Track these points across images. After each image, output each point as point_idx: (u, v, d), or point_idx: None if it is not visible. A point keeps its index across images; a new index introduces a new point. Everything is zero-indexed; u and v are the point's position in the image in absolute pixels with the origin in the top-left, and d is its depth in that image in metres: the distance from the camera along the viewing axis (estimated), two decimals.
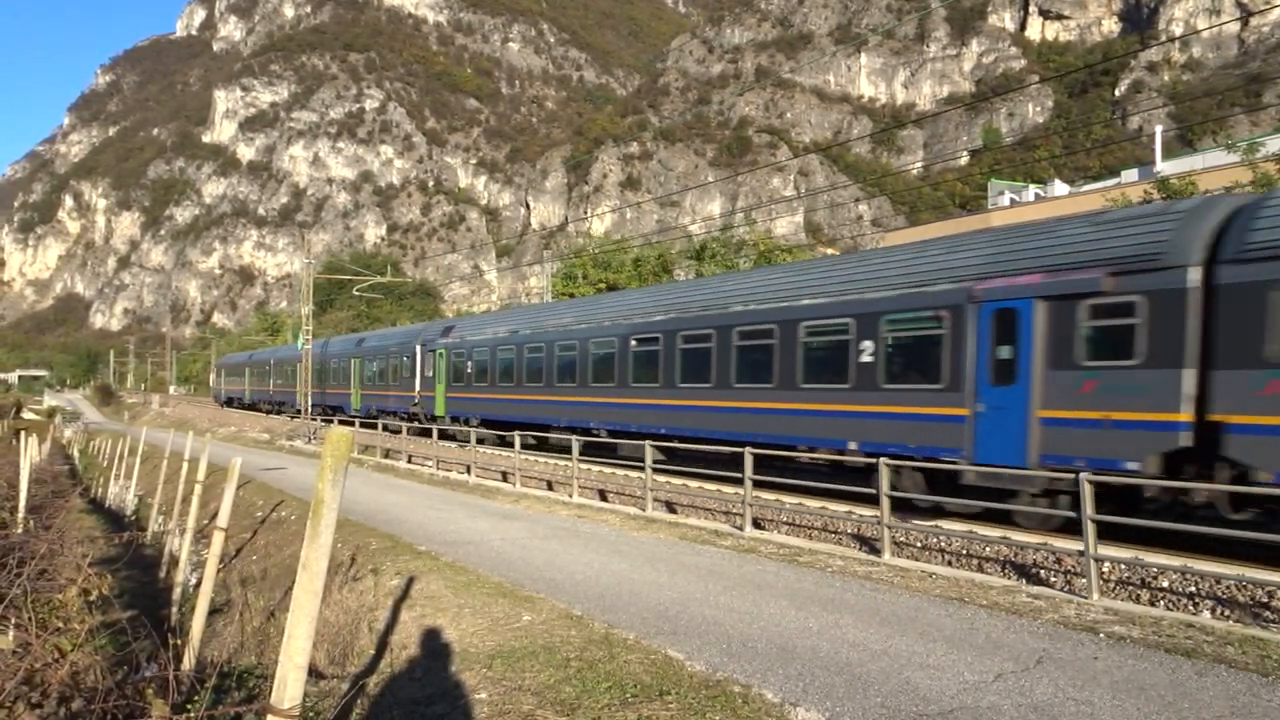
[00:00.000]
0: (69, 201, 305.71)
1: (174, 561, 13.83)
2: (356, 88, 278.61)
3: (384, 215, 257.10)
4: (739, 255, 43.29)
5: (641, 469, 15.38)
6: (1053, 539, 10.14)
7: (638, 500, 15.74)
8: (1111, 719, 5.25)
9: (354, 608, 9.07)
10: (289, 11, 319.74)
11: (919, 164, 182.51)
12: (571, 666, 6.22)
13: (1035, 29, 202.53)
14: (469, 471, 21.37)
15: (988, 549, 10.24)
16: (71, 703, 5.41)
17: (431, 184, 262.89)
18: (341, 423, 33.96)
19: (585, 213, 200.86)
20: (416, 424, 29.27)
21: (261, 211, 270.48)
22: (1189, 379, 9.60)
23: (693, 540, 11.86)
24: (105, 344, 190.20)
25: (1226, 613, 8.03)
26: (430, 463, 23.77)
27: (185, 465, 18.10)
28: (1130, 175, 44.66)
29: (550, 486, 18.93)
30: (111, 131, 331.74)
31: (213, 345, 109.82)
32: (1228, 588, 8.24)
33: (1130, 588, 8.83)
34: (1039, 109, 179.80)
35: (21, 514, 15.78)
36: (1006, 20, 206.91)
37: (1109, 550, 9.22)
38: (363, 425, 33.55)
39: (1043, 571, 9.48)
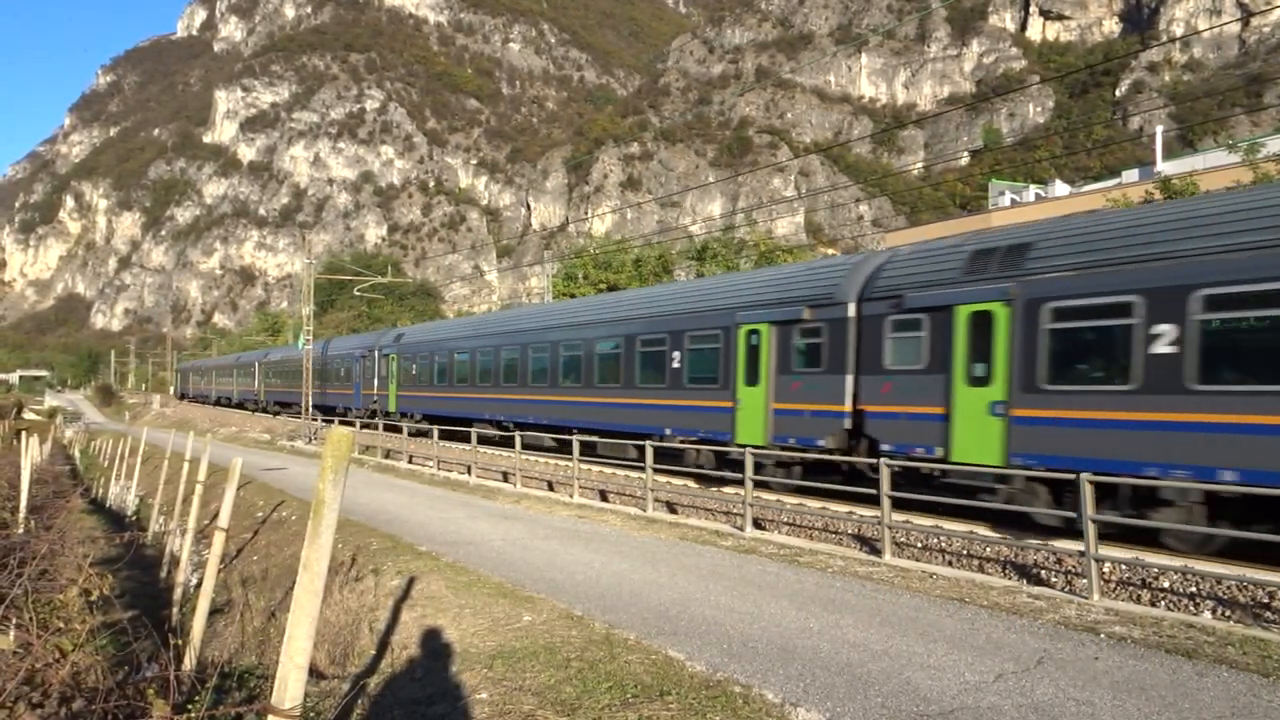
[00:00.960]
0: (70, 202, 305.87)
1: (175, 562, 13.84)
2: (357, 88, 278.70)
3: (385, 216, 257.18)
4: (739, 256, 43.34)
5: (642, 469, 15.41)
6: (1054, 540, 10.15)
7: (638, 501, 15.75)
8: (1112, 719, 5.25)
9: (355, 608, 9.07)
10: (290, 12, 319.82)
11: (920, 164, 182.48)
12: (572, 667, 6.22)
13: (1036, 29, 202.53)
14: (469, 472, 21.38)
15: (988, 549, 10.24)
16: (72, 703, 5.41)
17: (432, 184, 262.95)
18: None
19: (586, 213, 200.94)
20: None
21: (262, 212, 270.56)
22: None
23: (693, 540, 11.86)
24: (106, 344, 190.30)
25: (1227, 613, 8.03)
26: (431, 463, 23.78)
27: (186, 465, 18.11)
28: (1131, 175, 44.65)
29: (551, 487, 18.94)
30: (112, 132, 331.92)
31: (213, 345, 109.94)
32: (1228, 588, 8.24)
33: (1131, 588, 8.83)
34: (1040, 109, 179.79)
35: (23, 514, 15.80)
36: (1007, 20, 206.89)
37: (1110, 551, 9.22)
38: (363, 426, 33.62)
39: (1043, 572, 9.48)
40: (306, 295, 38.61)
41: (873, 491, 11.45)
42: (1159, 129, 52.55)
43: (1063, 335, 10.70)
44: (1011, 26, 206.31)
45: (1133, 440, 9.84)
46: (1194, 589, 8.40)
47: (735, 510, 13.66)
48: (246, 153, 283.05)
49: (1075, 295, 10.53)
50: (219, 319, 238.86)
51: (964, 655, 6.50)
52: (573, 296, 40.90)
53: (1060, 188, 52.30)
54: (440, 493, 18.44)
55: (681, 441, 16.76)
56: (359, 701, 6.35)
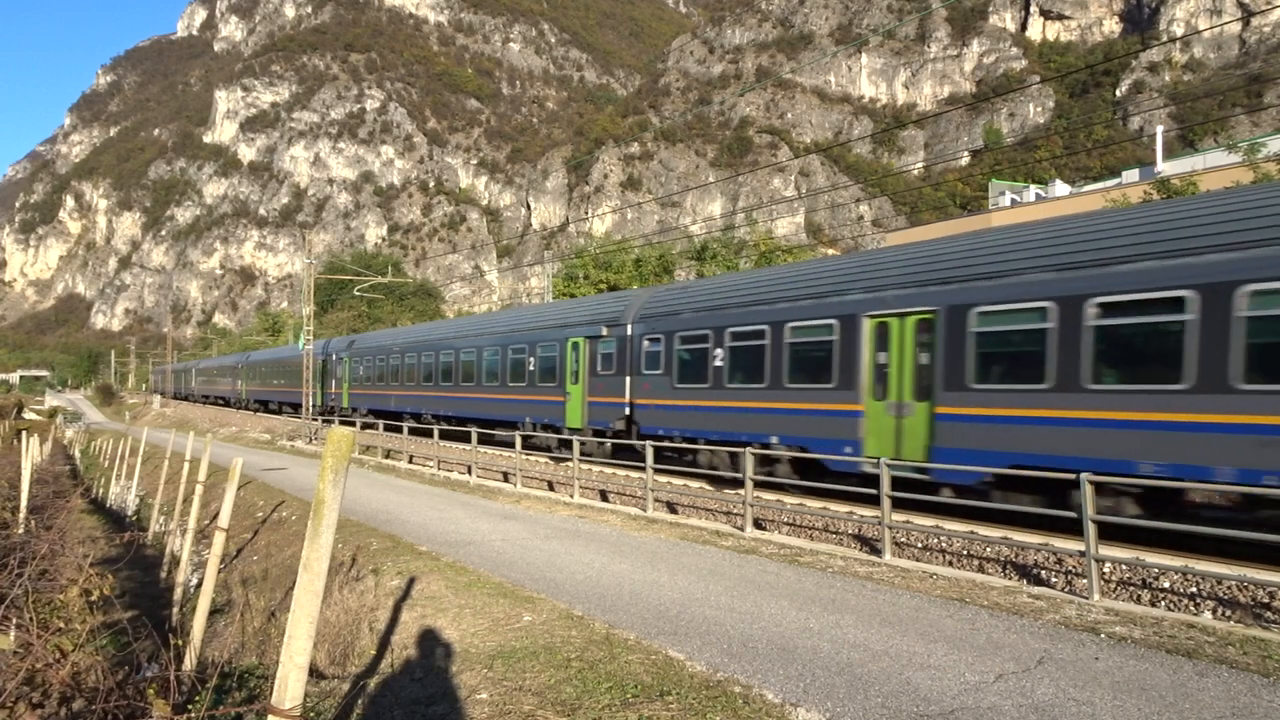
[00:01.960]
0: (70, 202, 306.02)
1: (175, 562, 13.85)
2: (357, 88, 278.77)
3: (385, 215, 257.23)
4: (739, 256, 43.33)
5: (642, 469, 15.40)
6: (1054, 539, 10.15)
7: (639, 501, 15.75)
8: (1112, 719, 5.25)
9: (355, 608, 9.07)
10: (290, 12, 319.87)
11: (920, 164, 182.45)
12: (572, 667, 6.22)
13: (1036, 29, 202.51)
14: (470, 472, 21.38)
15: (989, 549, 10.24)
16: (73, 703, 5.42)
17: (432, 184, 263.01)
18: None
19: (586, 213, 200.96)
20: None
21: (262, 212, 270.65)
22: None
23: (693, 540, 11.85)
24: (106, 344, 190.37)
25: (1228, 613, 8.03)
26: (431, 463, 23.78)
27: (186, 466, 18.11)
28: (1131, 175, 44.64)
29: (551, 487, 18.94)
30: (112, 132, 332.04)
31: (214, 346, 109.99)
32: (1229, 588, 8.24)
33: (1131, 588, 8.83)
34: (1040, 109, 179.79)
35: (23, 514, 15.81)
36: (1007, 20, 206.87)
37: (1111, 551, 9.22)
38: (364, 426, 33.63)
39: (1044, 572, 9.47)
40: (307, 295, 38.60)
41: (866, 491, 11.47)
42: (1159, 129, 52.50)
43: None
44: (1012, 26, 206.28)
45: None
46: (1194, 589, 8.40)
47: (735, 510, 13.66)
48: (246, 153, 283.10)
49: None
50: (219, 319, 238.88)
51: (964, 655, 6.50)
52: (573, 296, 41.00)
53: (1060, 188, 52.29)
54: (441, 492, 18.44)
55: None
56: (359, 701, 6.34)
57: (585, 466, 18.30)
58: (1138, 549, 9.73)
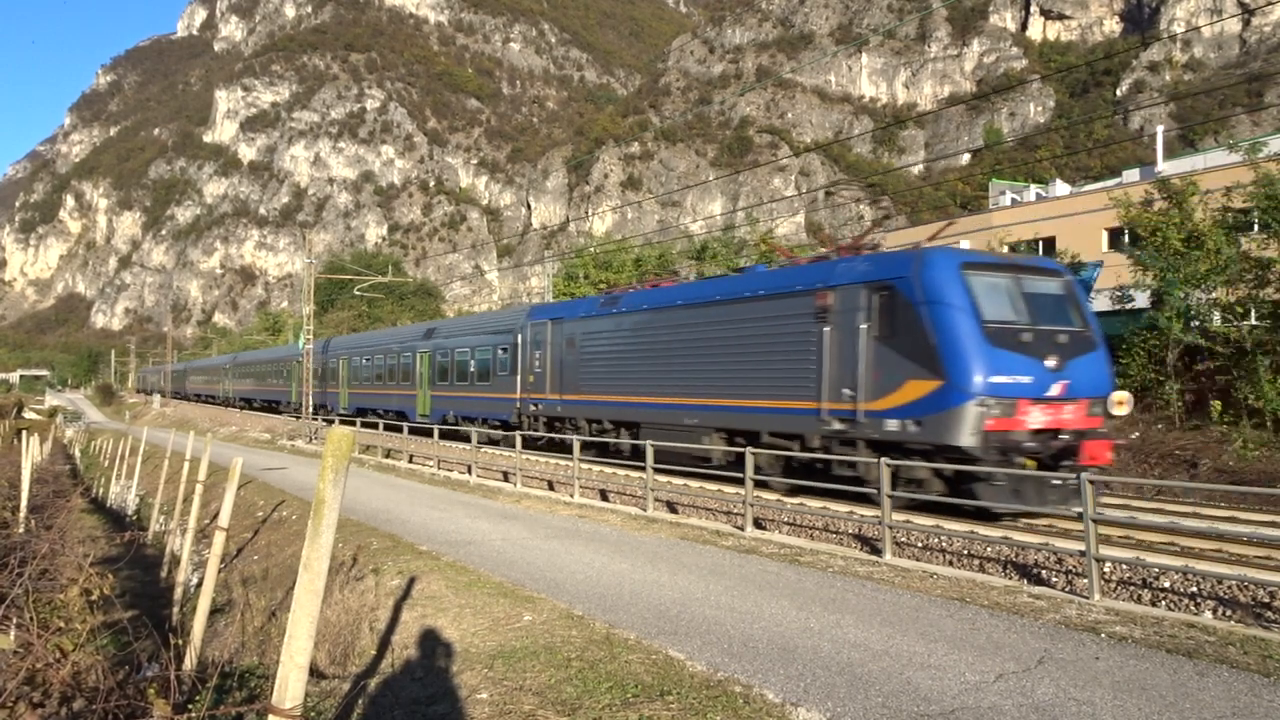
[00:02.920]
0: (70, 201, 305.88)
1: (175, 561, 13.85)
2: (357, 88, 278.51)
3: (385, 215, 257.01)
4: (739, 255, 43.33)
5: (642, 469, 15.41)
6: (1054, 539, 10.15)
7: (639, 500, 15.74)
8: (1113, 719, 5.25)
9: (355, 608, 9.07)
10: (290, 11, 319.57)
11: (920, 164, 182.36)
12: (573, 666, 6.22)
13: (1036, 29, 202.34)
14: (470, 471, 21.39)
15: (989, 549, 10.24)
16: (73, 703, 5.41)
17: (432, 184, 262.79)
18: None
19: (586, 213, 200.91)
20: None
21: (263, 211, 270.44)
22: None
23: (694, 540, 11.85)
24: (106, 344, 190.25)
25: (1228, 613, 8.03)
26: (431, 462, 23.79)
27: (186, 465, 18.11)
28: (1132, 175, 44.57)
29: (551, 486, 18.94)
30: (112, 131, 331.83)
31: (214, 345, 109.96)
32: (1229, 588, 8.23)
33: (1132, 588, 8.83)
34: (1040, 109, 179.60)
35: (23, 514, 15.82)
36: (1008, 20, 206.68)
37: (1111, 551, 9.22)
38: (364, 425, 33.66)
39: (1044, 572, 9.48)
40: (307, 295, 38.61)
41: (865, 492, 11.47)
42: (1160, 128, 52.31)
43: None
44: (1012, 26, 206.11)
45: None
46: (1195, 589, 8.39)
47: (736, 510, 13.66)
48: (247, 152, 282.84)
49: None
50: (219, 318, 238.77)
51: (964, 655, 6.50)
52: (573, 296, 41.08)
53: (1061, 187, 52.20)
54: (441, 492, 18.45)
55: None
56: (359, 701, 6.35)
57: (586, 466, 18.28)
58: (1138, 550, 9.73)
